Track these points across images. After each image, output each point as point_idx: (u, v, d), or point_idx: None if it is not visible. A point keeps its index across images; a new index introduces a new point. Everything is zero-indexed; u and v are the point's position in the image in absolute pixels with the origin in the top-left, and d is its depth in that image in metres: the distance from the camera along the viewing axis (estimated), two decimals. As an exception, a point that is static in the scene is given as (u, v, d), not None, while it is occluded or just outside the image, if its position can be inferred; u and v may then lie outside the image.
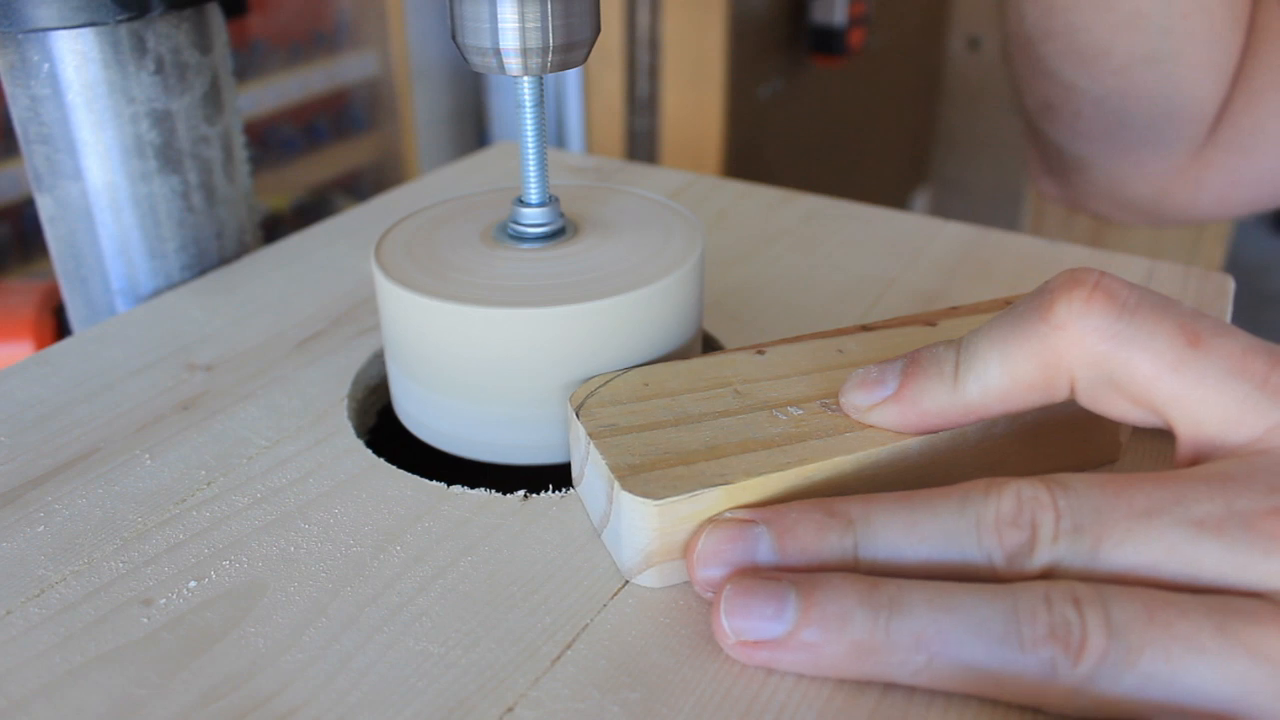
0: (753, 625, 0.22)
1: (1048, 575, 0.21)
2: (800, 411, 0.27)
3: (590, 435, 0.26)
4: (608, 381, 0.28)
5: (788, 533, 0.23)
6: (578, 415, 0.27)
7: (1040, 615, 0.20)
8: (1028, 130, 0.58)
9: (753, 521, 0.24)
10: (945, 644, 0.21)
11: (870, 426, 0.26)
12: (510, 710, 0.22)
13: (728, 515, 0.24)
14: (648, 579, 0.25)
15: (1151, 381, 0.23)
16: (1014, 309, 0.24)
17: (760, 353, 0.29)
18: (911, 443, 0.25)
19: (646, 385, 0.28)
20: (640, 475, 0.25)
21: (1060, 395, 0.24)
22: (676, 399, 0.27)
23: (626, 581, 0.25)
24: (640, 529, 0.24)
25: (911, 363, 0.26)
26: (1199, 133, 0.51)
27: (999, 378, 0.24)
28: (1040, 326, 0.23)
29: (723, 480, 0.24)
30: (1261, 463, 0.22)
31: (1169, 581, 0.21)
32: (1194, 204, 0.55)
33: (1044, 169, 0.60)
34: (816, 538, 0.23)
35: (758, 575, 0.23)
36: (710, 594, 0.24)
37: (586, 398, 0.28)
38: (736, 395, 0.28)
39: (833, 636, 0.21)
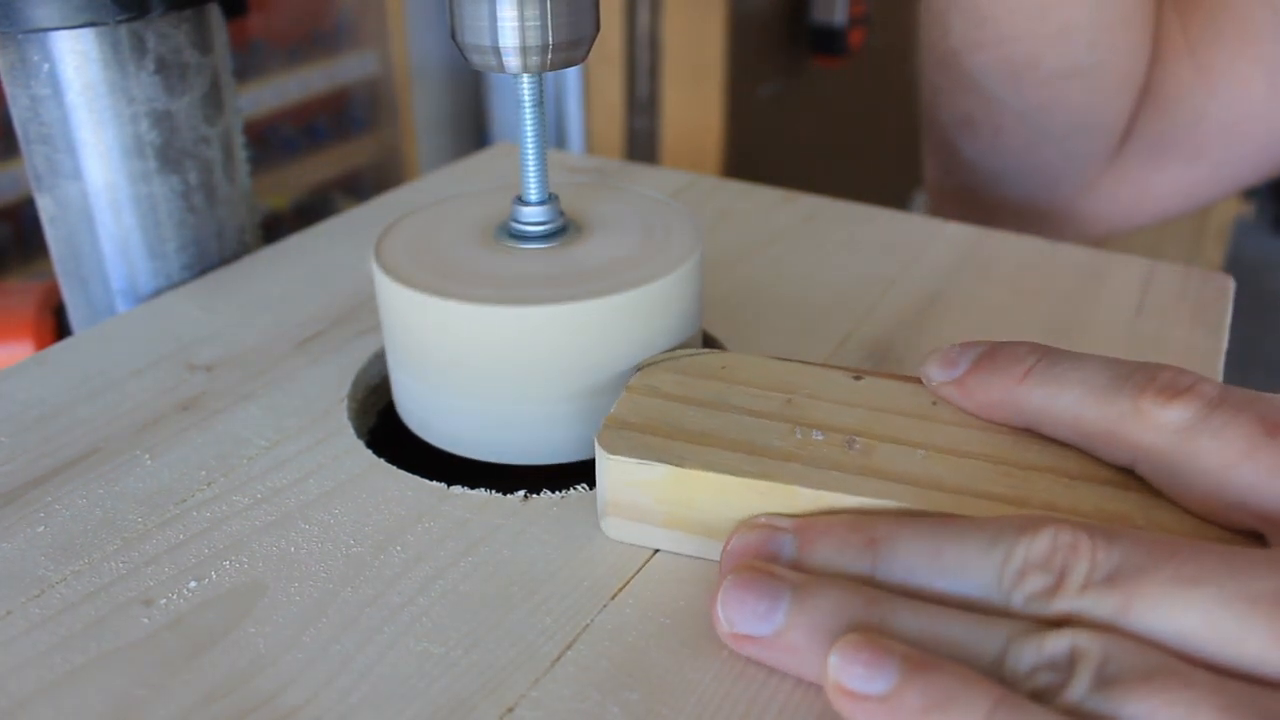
0: (743, 619, 0.22)
1: (1064, 624, 0.20)
2: (820, 437, 0.26)
3: (626, 387, 0.28)
4: (692, 355, 0.29)
5: (811, 543, 0.23)
6: (637, 370, 0.28)
7: (1027, 658, 0.20)
8: (934, 148, 0.58)
9: (781, 528, 0.24)
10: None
11: (864, 474, 0.25)
12: (511, 710, 0.22)
13: (762, 520, 0.24)
14: (606, 526, 0.27)
15: (1224, 471, 0.22)
16: (1120, 367, 0.24)
17: (857, 377, 0.28)
18: (881, 503, 0.24)
19: (723, 368, 0.29)
20: (621, 431, 0.26)
21: (1115, 460, 0.24)
22: (733, 387, 0.28)
23: (626, 581, 0.25)
24: (600, 477, 0.26)
25: (986, 356, 0.26)
26: (1111, 146, 0.52)
27: (1067, 409, 0.25)
28: (1126, 403, 0.24)
29: (677, 462, 0.25)
30: None
31: (1201, 658, 0.19)
32: (1105, 217, 0.55)
33: (948, 187, 0.59)
34: (838, 551, 0.23)
35: (762, 570, 0.23)
36: None
37: (659, 360, 0.29)
38: (788, 404, 0.27)
39: (816, 646, 0.21)
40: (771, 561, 0.24)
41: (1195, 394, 0.23)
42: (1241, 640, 0.19)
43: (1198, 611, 0.19)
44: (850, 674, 0.20)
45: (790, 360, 0.29)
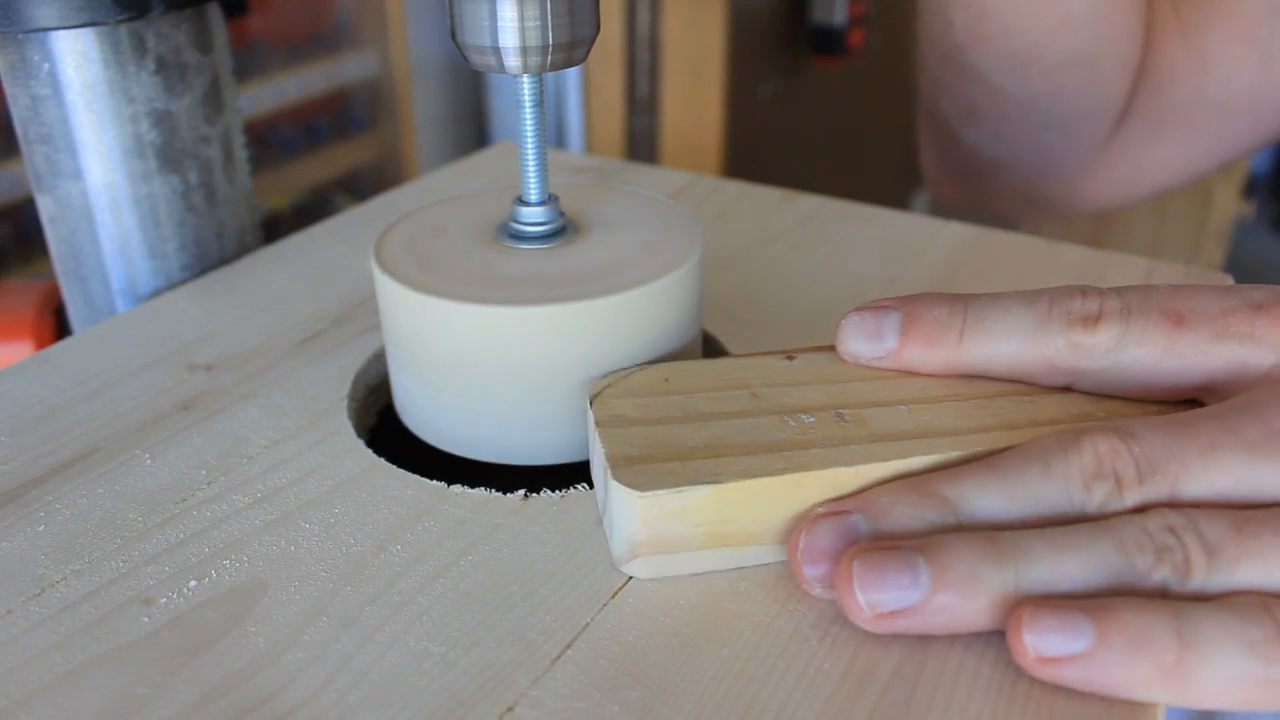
0: (888, 596, 0.22)
1: (1138, 510, 0.23)
2: (811, 419, 0.26)
3: (597, 423, 0.26)
4: (629, 374, 0.28)
5: (885, 515, 0.24)
6: (591, 404, 0.27)
7: (1145, 544, 0.22)
8: (934, 136, 0.58)
9: (846, 512, 0.24)
10: (1072, 584, 0.22)
11: (877, 440, 0.26)
12: (510, 710, 0.22)
13: (819, 510, 0.24)
14: (635, 569, 0.25)
15: (1155, 367, 0.26)
16: (1037, 304, 0.27)
17: (789, 358, 0.29)
18: (917, 460, 0.25)
19: (667, 380, 0.28)
20: (633, 466, 0.25)
21: (1050, 384, 0.27)
22: (692, 396, 0.27)
23: (626, 581, 0.25)
24: (627, 519, 0.25)
25: (910, 323, 0.27)
26: (1110, 127, 0.53)
27: (1008, 357, 0.27)
28: (1059, 340, 0.26)
29: (713, 479, 0.24)
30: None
31: (1239, 503, 0.23)
32: (1104, 195, 0.56)
33: (947, 174, 0.60)
34: (916, 514, 0.24)
35: (880, 547, 0.23)
36: (819, 590, 0.24)
37: (605, 388, 0.28)
38: (753, 398, 0.27)
39: (968, 595, 0.22)
40: (852, 544, 0.24)
41: (1109, 314, 0.26)
42: (1260, 482, 0.23)
43: (1227, 471, 0.23)
44: (1049, 643, 0.21)
45: (718, 359, 0.29)
